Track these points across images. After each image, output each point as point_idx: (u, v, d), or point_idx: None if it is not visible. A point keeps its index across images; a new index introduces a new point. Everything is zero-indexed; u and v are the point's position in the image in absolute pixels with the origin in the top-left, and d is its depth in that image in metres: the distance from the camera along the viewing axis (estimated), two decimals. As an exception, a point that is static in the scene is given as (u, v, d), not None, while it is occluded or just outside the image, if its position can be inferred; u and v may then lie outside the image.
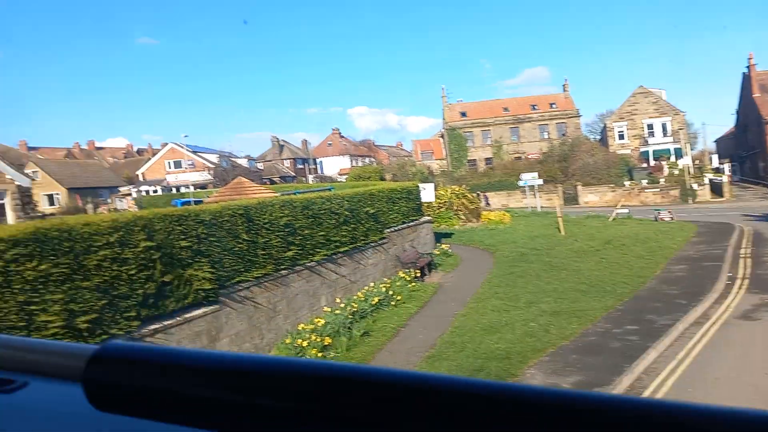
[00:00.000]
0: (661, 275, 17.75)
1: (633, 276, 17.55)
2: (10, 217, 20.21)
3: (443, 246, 23.96)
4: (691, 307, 13.67)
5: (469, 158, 64.73)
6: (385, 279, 17.98)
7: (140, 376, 0.56)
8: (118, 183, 60.86)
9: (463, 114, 66.31)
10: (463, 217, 32.37)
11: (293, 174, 75.16)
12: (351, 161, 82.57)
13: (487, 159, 64.33)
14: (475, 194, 37.35)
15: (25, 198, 21.26)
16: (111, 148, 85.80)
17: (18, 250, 7.85)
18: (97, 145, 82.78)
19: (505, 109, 66.30)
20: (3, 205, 20.74)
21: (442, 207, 31.73)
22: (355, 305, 14.56)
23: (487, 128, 65.09)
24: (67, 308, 8.22)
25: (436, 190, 31.20)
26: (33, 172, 43.09)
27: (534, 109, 65.82)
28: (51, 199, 49.34)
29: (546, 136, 64.05)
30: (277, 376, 0.52)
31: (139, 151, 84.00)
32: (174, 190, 56.59)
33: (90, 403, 0.59)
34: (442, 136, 71.78)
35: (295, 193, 18.43)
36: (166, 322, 9.88)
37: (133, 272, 9.38)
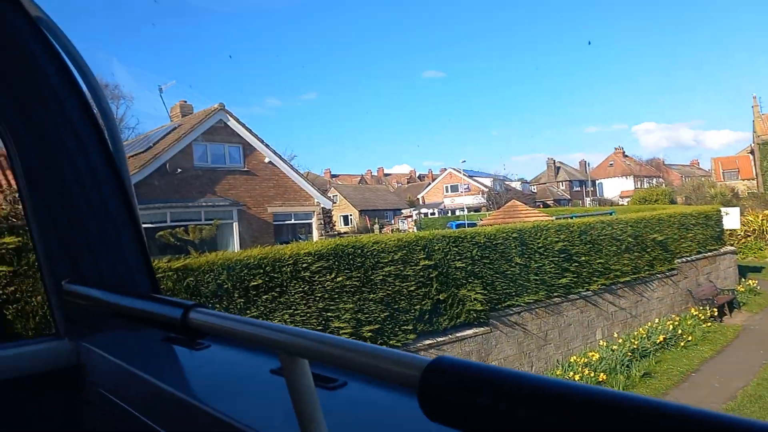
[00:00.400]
0: None
1: None
2: (315, 234, 23.65)
3: (750, 282, 20.38)
4: None
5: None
6: (673, 316, 16.03)
7: (472, 391, 0.60)
8: (401, 206, 66.64)
9: (780, 126, 55.94)
10: (777, 248, 27.19)
11: (569, 197, 72.68)
12: (635, 182, 76.30)
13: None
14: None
15: (326, 218, 24.67)
16: (397, 174, 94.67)
17: (321, 263, 9.12)
18: (386, 171, 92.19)
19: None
20: (311, 224, 24.35)
21: (749, 235, 27.14)
22: (636, 342, 13.27)
23: (813, 142, 53.80)
24: (355, 317, 9.24)
25: (742, 215, 26.81)
26: (333, 195, 49.74)
27: None
28: (346, 219, 56.49)
29: None
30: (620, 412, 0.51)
31: (420, 177, 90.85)
32: (449, 213, 59.62)
33: (423, 412, 0.64)
34: (751, 152, 61.59)
35: (571, 217, 17.73)
36: (438, 339, 10.37)
37: (412, 288, 10.11)
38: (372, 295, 9.54)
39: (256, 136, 23.32)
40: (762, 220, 28.11)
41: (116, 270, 1.88)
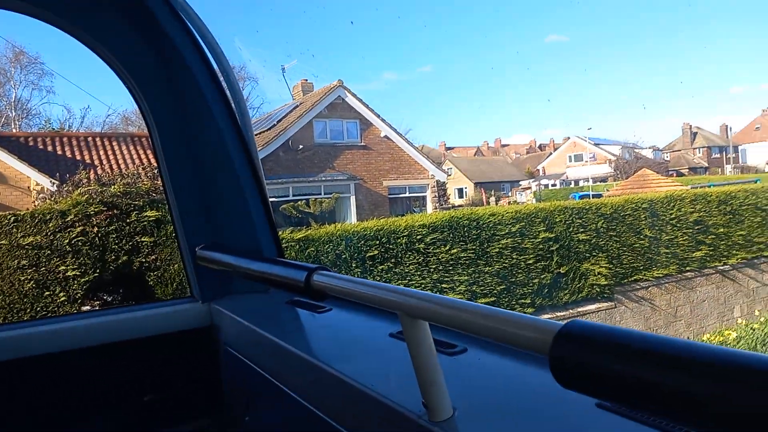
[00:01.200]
0: None
1: None
2: (429, 207, 23.77)
3: None
4: None
5: None
6: (831, 294, 14.33)
7: (608, 358, 0.56)
8: (519, 177, 64.93)
9: None
10: None
11: (706, 165, 66.82)
12: (786, 148, 68.41)
13: None
14: None
15: (440, 191, 24.68)
16: (515, 144, 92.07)
17: (436, 235, 9.18)
18: (503, 142, 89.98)
19: None
20: (425, 197, 24.50)
21: None
22: (783, 322, 12.06)
23: None
24: (470, 290, 9.24)
25: None
26: (448, 168, 49.48)
27: None
28: (460, 192, 56.02)
29: None
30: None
31: (541, 147, 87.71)
32: (573, 184, 57.19)
33: (556, 379, 0.61)
34: None
35: (709, 186, 16.37)
36: (559, 314, 10.09)
37: (530, 262, 9.89)
38: (488, 268, 9.48)
39: (372, 111, 23.71)
40: None
41: (245, 237, 2.01)
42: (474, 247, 9.47)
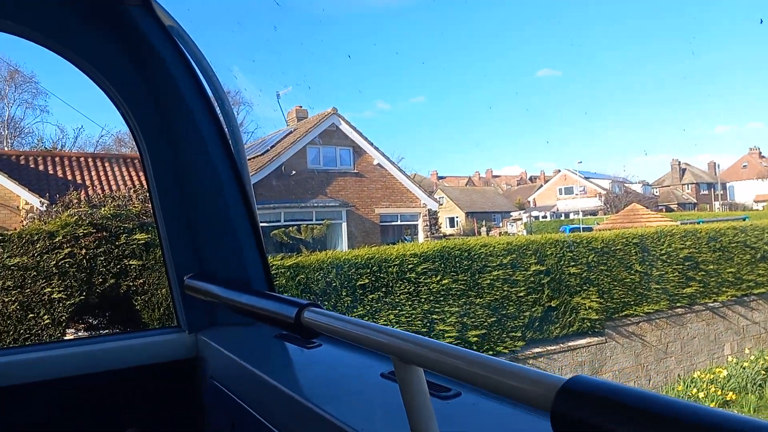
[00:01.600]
0: None
1: None
2: (420, 236, 23.78)
3: None
4: None
5: None
6: (819, 333, 14.37)
7: (608, 416, 0.54)
8: (510, 208, 65.23)
9: None
10: None
11: (695, 201, 67.52)
12: (772, 186, 69.33)
13: None
14: None
15: (432, 220, 24.74)
16: (506, 176, 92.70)
17: (427, 265, 9.15)
18: (494, 173, 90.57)
19: None
20: (417, 225, 24.54)
21: None
22: (772, 360, 12.05)
23: None
24: (461, 321, 9.17)
25: None
26: (440, 197, 49.69)
27: None
28: (452, 221, 56.15)
29: None
30: None
31: (532, 179, 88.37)
32: (563, 217, 57.49)
33: None
34: None
35: (699, 222, 16.49)
36: (549, 347, 10.02)
37: (521, 294, 9.86)
38: (479, 299, 9.42)
39: (365, 138, 23.88)
40: None
41: (235, 267, 1.96)
42: (465, 278, 9.44)
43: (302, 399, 1.25)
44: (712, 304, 12.76)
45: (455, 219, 57.06)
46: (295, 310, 1.15)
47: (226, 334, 1.90)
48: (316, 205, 22.23)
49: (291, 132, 24.11)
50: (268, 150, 22.79)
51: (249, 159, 21.83)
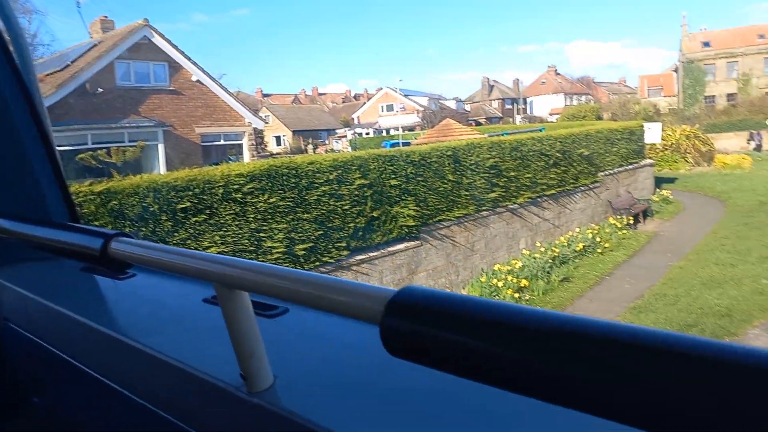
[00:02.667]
0: None
1: None
2: (246, 155, 23.22)
3: (664, 192, 21.78)
4: None
5: (706, 95, 56.75)
6: (593, 225, 17.05)
7: (438, 324, 0.52)
8: (335, 126, 65.71)
9: (706, 44, 57.67)
10: (691, 160, 28.92)
11: (500, 115, 73.72)
12: (565, 100, 77.97)
13: (729, 95, 55.68)
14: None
15: (258, 139, 24.16)
16: (332, 93, 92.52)
17: (254, 184, 9.07)
18: (320, 91, 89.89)
19: (761, 36, 56.15)
20: (242, 145, 23.84)
21: (667, 149, 28.66)
22: (557, 250, 14.12)
23: (733, 59, 55.96)
24: (289, 237, 9.36)
25: (663, 130, 28.14)
26: (265, 116, 48.25)
27: (797, 33, 54.82)
28: (278, 140, 55.33)
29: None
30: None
31: (356, 96, 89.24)
32: (385, 133, 59.45)
33: (385, 347, 0.57)
34: (675, 71, 63.76)
35: (503, 134, 18.14)
36: (371, 254, 10.69)
37: (347, 207, 10.26)
38: (306, 215, 9.64)
39: (182, 53, 22.17)
40: (679, 135, 29.62)
41: (29, 198, 1.77)
42: (293, 195, 9.55)
43: (116, 334, 1.17)
44: (512, 206, 14.37)
45: (282, 137, 56.17)
46: (101, 241, 1.02)
47: (24, 272, 1.70)
48: (128, 125, 20.44)
49: (95, 45, 21.44)
50: (68, 65, 20.12)
51: (46, 75, 19.18)
